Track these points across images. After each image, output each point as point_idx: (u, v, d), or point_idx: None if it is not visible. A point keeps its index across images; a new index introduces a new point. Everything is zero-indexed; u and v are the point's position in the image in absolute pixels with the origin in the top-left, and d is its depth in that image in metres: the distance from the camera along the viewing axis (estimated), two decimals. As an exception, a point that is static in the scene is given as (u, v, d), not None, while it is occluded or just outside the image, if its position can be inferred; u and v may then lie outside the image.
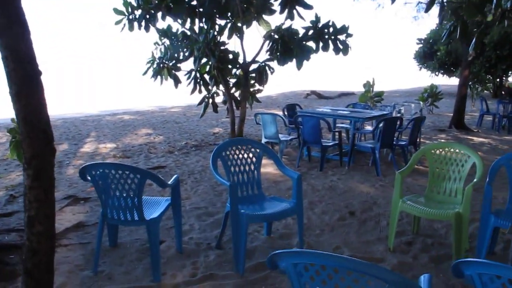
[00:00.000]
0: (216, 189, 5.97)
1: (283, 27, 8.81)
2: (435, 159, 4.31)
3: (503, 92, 24.79)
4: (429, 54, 26.90)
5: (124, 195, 3.23)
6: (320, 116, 7.05)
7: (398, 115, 8.70)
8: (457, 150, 4.20)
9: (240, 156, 4.01)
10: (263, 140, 7.73)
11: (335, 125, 8.11)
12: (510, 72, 26.14)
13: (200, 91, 9.36)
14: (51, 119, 2.38)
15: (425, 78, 32.06)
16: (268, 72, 9.35)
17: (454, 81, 29.94)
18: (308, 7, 8.70)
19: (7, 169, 7.63)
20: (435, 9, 20.16)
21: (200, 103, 9.41)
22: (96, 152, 9.25)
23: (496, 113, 12.53)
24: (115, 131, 12.38)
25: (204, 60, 9.01)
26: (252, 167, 4.06)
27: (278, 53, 8.72)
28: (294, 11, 8.65)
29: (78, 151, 9.52)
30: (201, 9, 8.92)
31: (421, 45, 27.68)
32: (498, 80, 25.61)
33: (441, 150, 4.30)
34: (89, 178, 3.25)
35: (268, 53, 8.91)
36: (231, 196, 3.49)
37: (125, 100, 23.12)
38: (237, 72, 9.74)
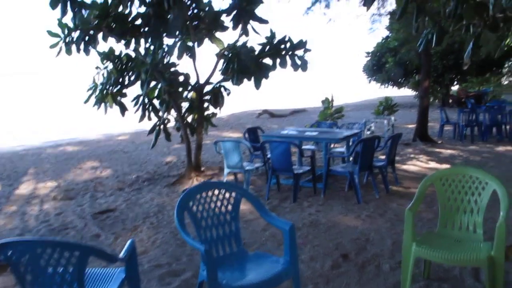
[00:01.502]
0: (179, 237, 4.99)
1: (238, 44, 8.06)
2: (445, 189, 3.59)
3: (450, 101, 25.11)
4: (378, 67, 26.95)
5: (58, 280, 2.27)
6: (289, 141, 6.26)
7: (368, 132, 8.07)
8: (471, 176, 3.49)
9: (212, 205, 3.13)
10: (226, 170, 6.86)
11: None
12: (455, 82, 26.56)
13: (149, 118, 8.38)
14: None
15: (374, 91, 32.31)
16: (224, 93, 8.54)
17: (403, 92, 30.29)
18: (263, 21, 8.00)
19: None
20: (386, 21, 20.11)
21: (151, 132, 8.41)
22: (34, 194, 8.08)
23: (457, 122, 12.25)
24: (56, 166, 11.16)
25: (152, 83, 8.08)
26: (229, 217, 3.18)
27: (234, 73, 7.90)
28: (249, 26, 7.95)
29: (12, 194, 8.30)
30: (146, 28, 8.01)
31: (369, 58, 27.73)
32: (445, 89, 25.90)
33: (452, 177, 3.59)
34: (3, 259, 2.27)
35: (222, 72, 8.08)
36: (208, 264, 2.60)
37: (70, 128, 21.86)
38: (189, 96, 8.85)
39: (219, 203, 3.16)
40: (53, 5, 7.44)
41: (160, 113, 8.36)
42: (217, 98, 8.39)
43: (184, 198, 2.98)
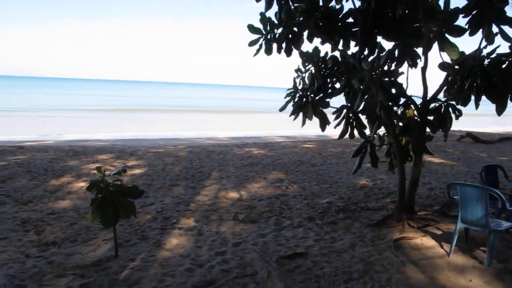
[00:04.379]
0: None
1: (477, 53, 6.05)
2: None
3: None
4: None
5: None
6: None
7: None
8: None
9: None
10: (459, 225, 4.95)
11: None
12: None
13: (351, 136, 6.83)
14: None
15: None
16: (452, 115, 6.59)
17: None
18: (516, 24, 5.89)
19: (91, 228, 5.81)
20: None
21: (355, 155, 6.85)
22: (214, 206, 7.23)
23: None
24: (241, 171, 10.42)
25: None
26: None
27: (472, 91, 5.91)
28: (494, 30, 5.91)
29: (193, 199, 7.61)
30: (357, 28, 6.54)
31: None
32: None
33: None
34: None
35: (458, 89, 6.12)
36: None
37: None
38: (400, 112, 7.08)
39: None
40: (258, -4, 6.45)
41: (367, 132, 6.78)
42: (443, 120, 6.48)
43: None
